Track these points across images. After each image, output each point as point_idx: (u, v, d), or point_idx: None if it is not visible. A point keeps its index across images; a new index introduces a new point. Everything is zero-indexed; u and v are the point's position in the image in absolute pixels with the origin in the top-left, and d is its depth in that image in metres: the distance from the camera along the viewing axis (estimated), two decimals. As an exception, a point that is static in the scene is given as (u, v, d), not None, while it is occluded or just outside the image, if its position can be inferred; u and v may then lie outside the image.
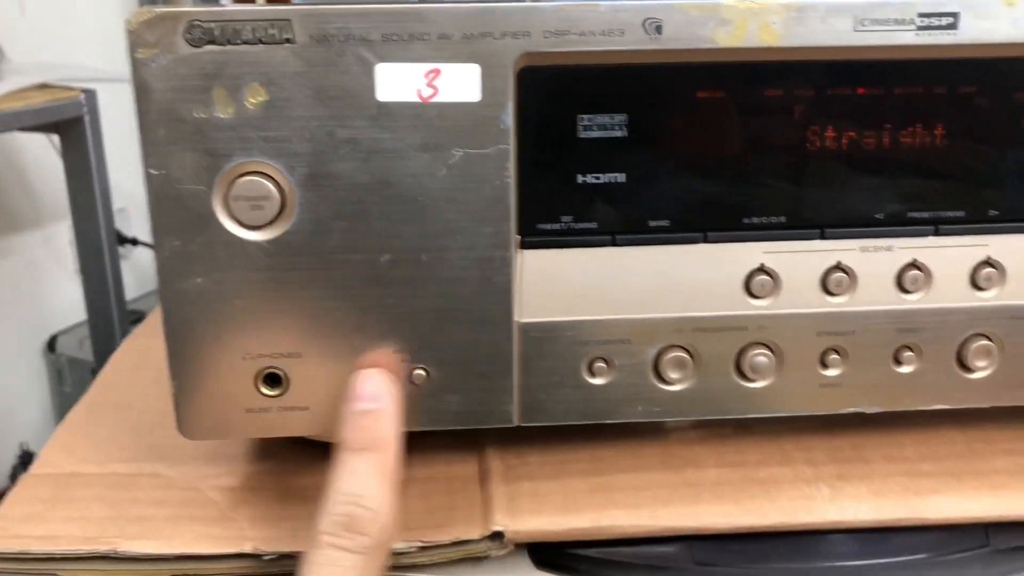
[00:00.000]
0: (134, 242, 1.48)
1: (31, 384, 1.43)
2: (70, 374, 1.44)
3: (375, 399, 0.33)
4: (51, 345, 1.44)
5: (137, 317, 1.40)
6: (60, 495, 0.38)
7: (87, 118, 1.04)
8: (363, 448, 0.32)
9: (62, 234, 1.42)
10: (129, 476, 0.40)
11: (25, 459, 1.33)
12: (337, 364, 0.36)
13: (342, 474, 0.31)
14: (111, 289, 1.14)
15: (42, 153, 1.30)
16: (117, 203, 1.18)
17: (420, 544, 0.35)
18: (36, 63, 1.14)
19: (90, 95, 1.05)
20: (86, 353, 1.37)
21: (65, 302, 1.45)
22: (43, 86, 1.04)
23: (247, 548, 0.35)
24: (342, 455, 0.32)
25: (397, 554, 0.35)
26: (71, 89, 1.04)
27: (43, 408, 1.45)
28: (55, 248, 1.44)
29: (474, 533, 0.36)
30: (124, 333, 1.18)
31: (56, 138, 1.10)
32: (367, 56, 0.33)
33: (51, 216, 1.40)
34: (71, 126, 1.05)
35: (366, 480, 0.31)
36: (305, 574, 0.29)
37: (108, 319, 1.15)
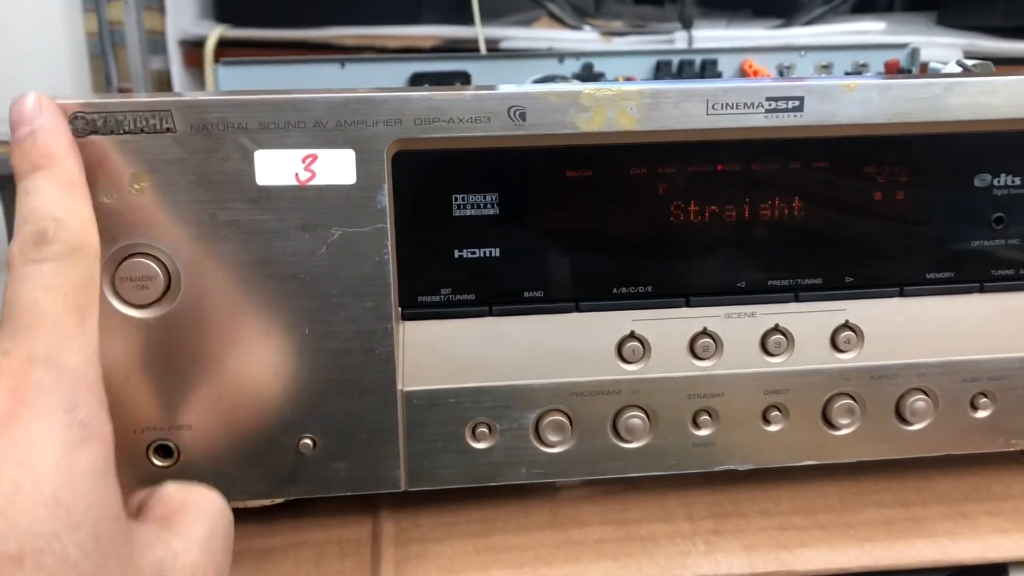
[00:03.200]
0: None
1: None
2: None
3: (32, 119, 0.32)
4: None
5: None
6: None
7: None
8: (33, 169, 0.31)
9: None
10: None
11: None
12: (226, 435, 0.37)
13: (21, 201, 0.30)
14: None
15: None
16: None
17: (308, 609, 0.37)
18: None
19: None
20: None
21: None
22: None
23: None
24: (18, 185, 0.31)
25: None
26: (5, 143, 1.04)
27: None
28: (1, 299, 1.43)
29: (361, 596, 0.37)
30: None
31: (-4, 192, 1.10)
32: (246, 143, 0.34)
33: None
34: (9, 181, 1.05)
35: (44, 196, 0.30)
36: (8, 296, 0.29)
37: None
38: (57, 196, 0.30)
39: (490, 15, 1.32)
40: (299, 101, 0.34)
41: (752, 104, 0.36)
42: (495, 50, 1.23)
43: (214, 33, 1.39)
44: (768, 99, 0.36)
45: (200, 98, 0.34)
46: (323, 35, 1.32)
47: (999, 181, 0.39)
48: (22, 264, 0.29)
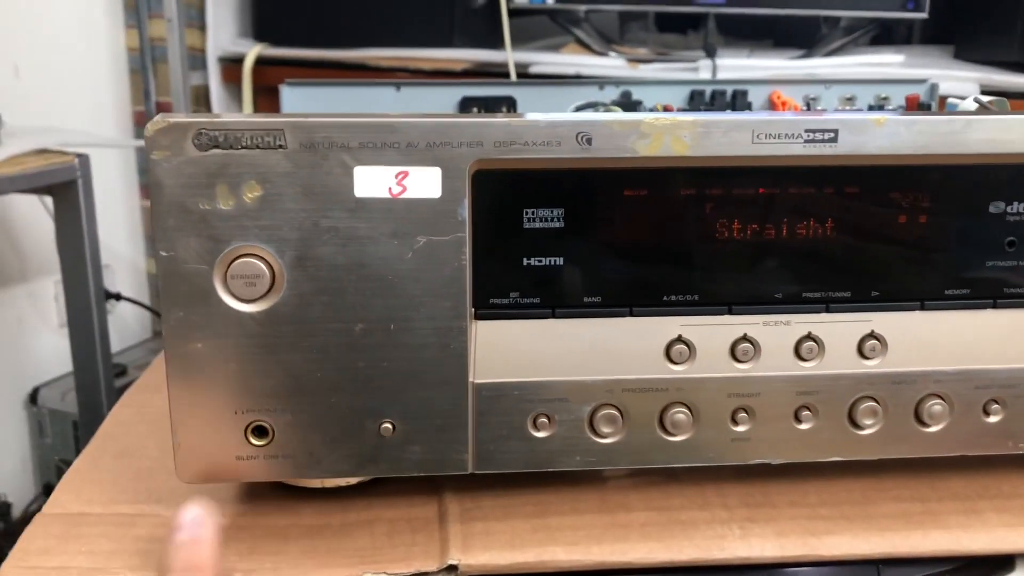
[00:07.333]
0: (118, 297, 1.52)
1: (11, 435, 1.46)
2: (51, 426, 1.47)
3: (196, 529, 0.36)
4: (33, 397, 1.48)
5: (120, 370, 1.44)
6: (70, 532, 0.43)
7: (80, 181, 1.10)
8: (183, 570, 0.34)
9: (47, 289, 1.47)
10: (131, 516, 0.45)
11: (2, 509, 1.35)
12: (316, 418, 0.41)
13: None
14: (97, 343, 1.18)
15: (29, 211, 1.35)
16: (103, 260, 1.23)
17: (385, 575, 0.41)
18: (32, 128, 1.19)
19: (83, 159, 1.10)
20: (68, 405, 1.40)
21: (48, 355, 1.49)
22: (40, 150, 1.09)
23: (235, 577, 0.41)
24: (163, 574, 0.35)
25: (365, 584, 0.41)
26: (66, 154, 1.10)
27: (23, 459, 1.48)
28: (40, 303, 1.48)
29: (432, 566, 0.41)
30: (109, 385, 1.22)
31: (48, 199, 1.16)
32: (347, 160, 0.39)
33: (36, 272, 1.45)
34: (65, 189, 1.10)
35: None
36: None
37: (94, 372, 1.19)
38: None
39: (519, 40, 1.37)
40: (395, 124, 0.39)
41: (792, 135, 0.41)
42: (525, 75, 1.28)
43: (252, 51, 1.45)
44: (807, 131, 0.41)
45: (309, 120, 0.39)
46: (359, 56, 1.37)
47: (1012, 208, 0.43)
48: None
